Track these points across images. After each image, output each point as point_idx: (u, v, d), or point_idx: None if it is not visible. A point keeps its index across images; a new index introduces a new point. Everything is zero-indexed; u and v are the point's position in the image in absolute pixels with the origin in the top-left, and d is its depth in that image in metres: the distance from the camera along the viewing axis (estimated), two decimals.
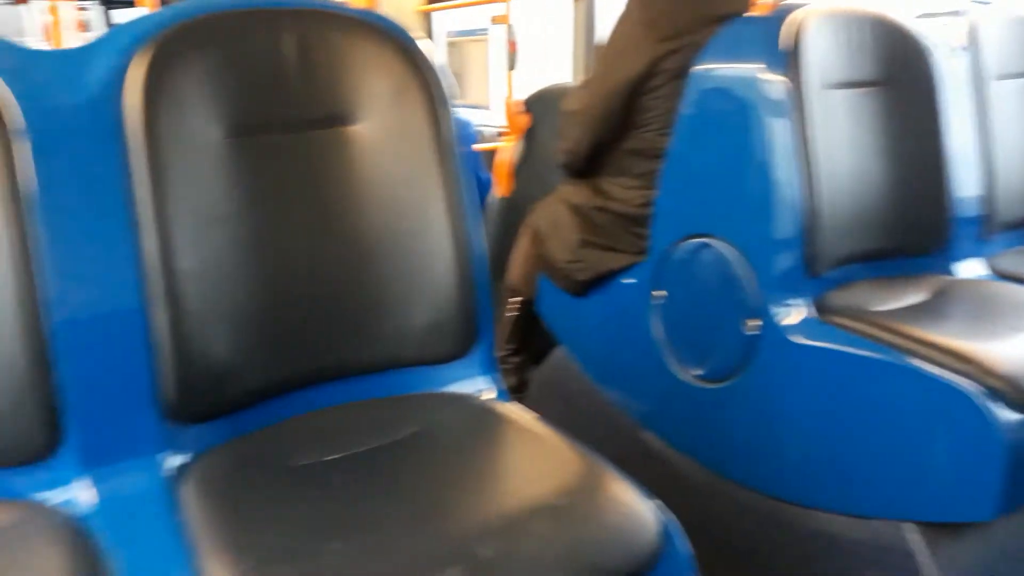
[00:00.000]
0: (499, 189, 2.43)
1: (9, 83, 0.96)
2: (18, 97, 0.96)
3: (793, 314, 1.45)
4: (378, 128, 1.15)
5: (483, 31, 4.21)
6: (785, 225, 1.45)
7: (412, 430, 1.05)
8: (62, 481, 0.95)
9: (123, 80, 1.01)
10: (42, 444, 0.93)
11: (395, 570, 0.76)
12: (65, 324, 0.95)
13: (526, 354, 2.08)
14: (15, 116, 0.95)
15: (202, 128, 1.05)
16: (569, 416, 1.64)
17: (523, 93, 2.49)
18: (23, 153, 0.95)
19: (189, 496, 0.93)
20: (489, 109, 4.17)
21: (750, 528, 1.53)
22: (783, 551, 1.49)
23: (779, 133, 1.44)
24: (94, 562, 0.82)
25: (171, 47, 1.05)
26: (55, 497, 0.93)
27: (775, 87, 1.44)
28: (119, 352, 0.99)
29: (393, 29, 1.19)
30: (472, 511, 0.88)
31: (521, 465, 1.00)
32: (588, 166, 1.81)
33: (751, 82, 1.46)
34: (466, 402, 1.14)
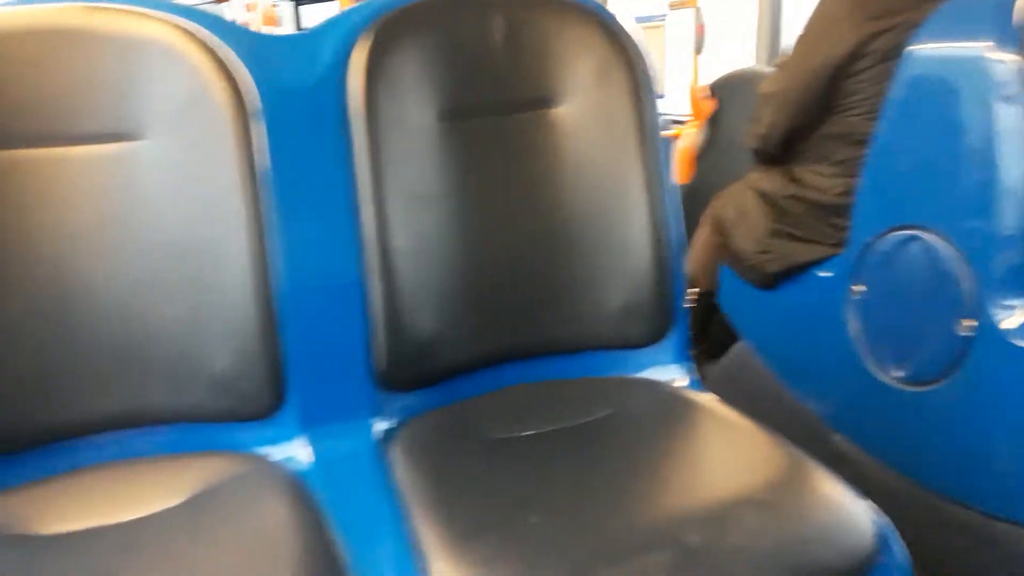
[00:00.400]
0: (678, 176, 2.38)
1: (248, 66, 1.04)
2: (255, 80, 1.04)
3: (1016, 315, 1.32)
4: (582, 110, 1.16)
5: (660, 17, 4.13)
6: (1010, 220, 1.33)
7: (606, 412, 1.05)
8: (283, 438, 1.02)
9: (347, 64, 1.07)
10: (268, 403, 1.00)
11: (600, 547, 0.77)
12: (291, 293, 1.02)
13: (703, 347, 2.03)
14: (253, 98, 1.02)
15: (416, 111, 1.09)
16: (751, 413, 1.58)
17: (708, 78, 2.43)
18: (259, 132, 1.02)
19: (396, 460, 0.97)
20: (663, 97, 4.10)
21: (955, 544, 1.42)
22: (991, 573, 1.37)
23: (1009, 119, 1.31)
24: (314, 513, 0.88)
25: (390, 32, 1.09)
26: (277, 452, 1.01)
27: (1006, 68, 1.32)
28: (337, 321, 1.05)
29: (599, 11, 1.18)
30: (675, 497, 0.87)
31: (721, 455, 0.98)
32: (782, 152, 1.74)
33: (978, 62, 1.34)
34: (660, 388, 1.13)
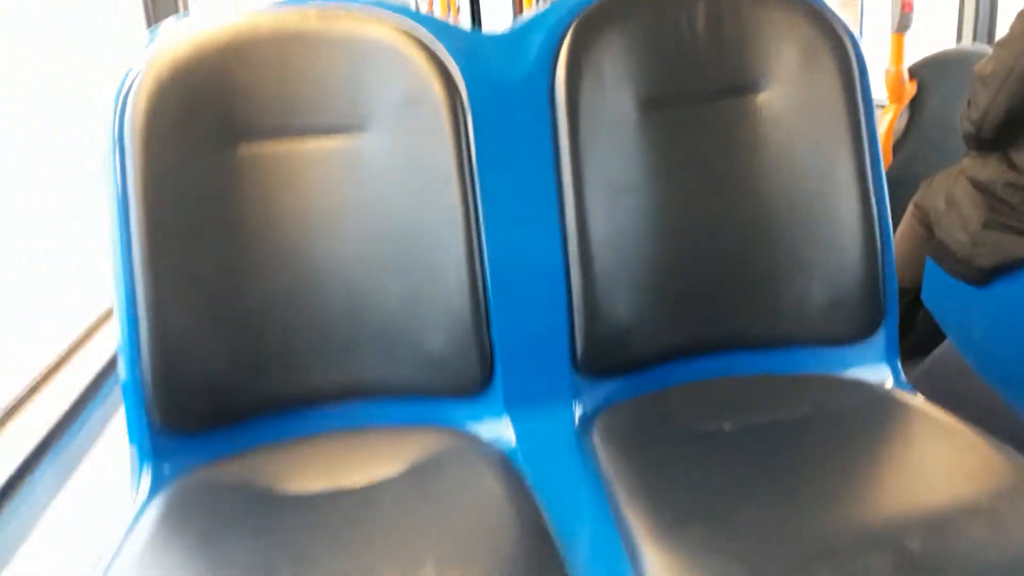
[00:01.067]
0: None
1: (460, 63, 1.09)
2: (466, 76, 1.09)
3: None
4: (787, 96, 1.13)
5: None
6: None
7: (809, 410, 1.03)
8: (490, 416, 1.07)
9: (553, 58, 1.10)
10: (476, 381, 1.06)
11: (816, 545, 0.76)
12: (498, 278, 1.07)
13: (905, 346, 1.92)
14: (463, 92, 1.08)
15: (618, 101, 1.11)
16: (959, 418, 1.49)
17: (908, 60, 2.28)
18: (470, 125, 1.07)
19: (598, 445, 1.00)
20: None
21: None
22: None
23: None
24: (523, 490, 0.92)
25: (593, 25, 1.11)
26: (483, 429, 1.06)
27: None
28: (540, 306, 1.09)
29: None
30: (892, 500, 0.84)
31: (939, 460, 0.93)
32: (999, 137, 1.61)
33: None
34: (867, 388, 1.09)
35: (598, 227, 1.09)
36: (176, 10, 1.85)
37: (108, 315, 1.63)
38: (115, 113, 0.99)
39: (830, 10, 1.14)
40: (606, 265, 1.09)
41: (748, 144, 1.13)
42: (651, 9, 1.13)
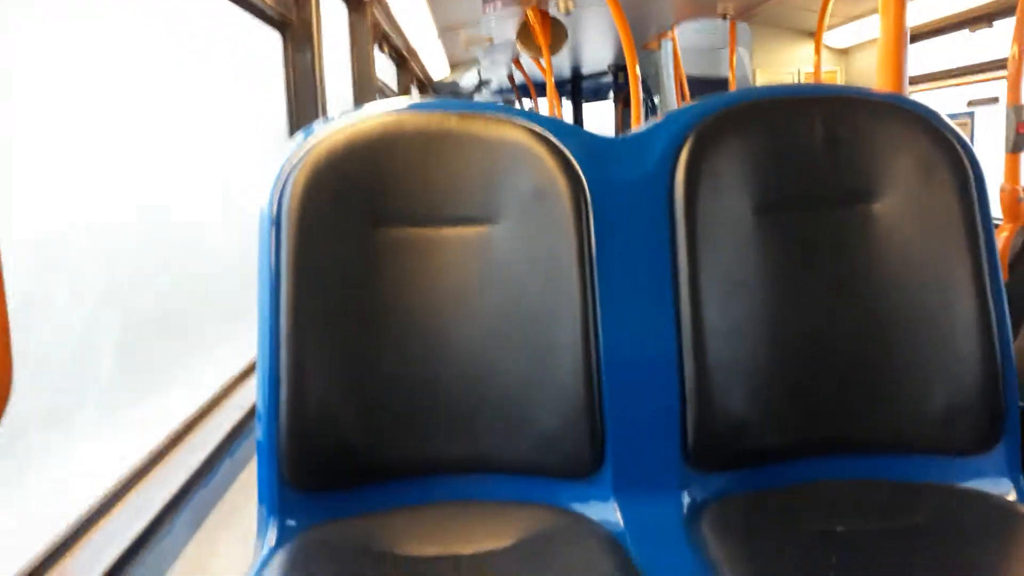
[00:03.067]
0: None
1: (582, 162, 1.17)
2: (589, 174, 1.16)
3: None
4: (902, 206, 1.16)
5: (965, 115, 3.91)
6: None
7: (925, 519, 1.01)
8: (599, 498, 1.10)
9: (673, 162, 1.17)
10: (589, 464, 1.09)
11: None
12: (612, 365, 1.11)
13: None
14: (587, 188, 1.15)
15: (734, 204, 1.16)
16: None
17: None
18: (591, 219, 1.14)
19: (708, 538, 1.00)
20: None
21: None
22: None
23: None
24: (631, 571, 0.93)
25: (712, 133, 1.18)
26: (592, 512, 1.08)
27: None
28: (652, 395, 1.12)
29: (921, 110, 1.19)
30: None
31: None
32: None
33: None
34: (986, 501, 1.06)
35: (713, 320, 1.13)
36: (316, 116, 2.05)
37: (244, 374, 1.75)
38: (274, 195, 1.11)
39: (947, 124, 1.18)
40: (720, 358, 1.12)
41: (864, 251, 1.16)
42: (769, 119, 1.19)
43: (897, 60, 1.62)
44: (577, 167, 1.15)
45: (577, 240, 1.12)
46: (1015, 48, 2.36)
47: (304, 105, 2.17)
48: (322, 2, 2.38)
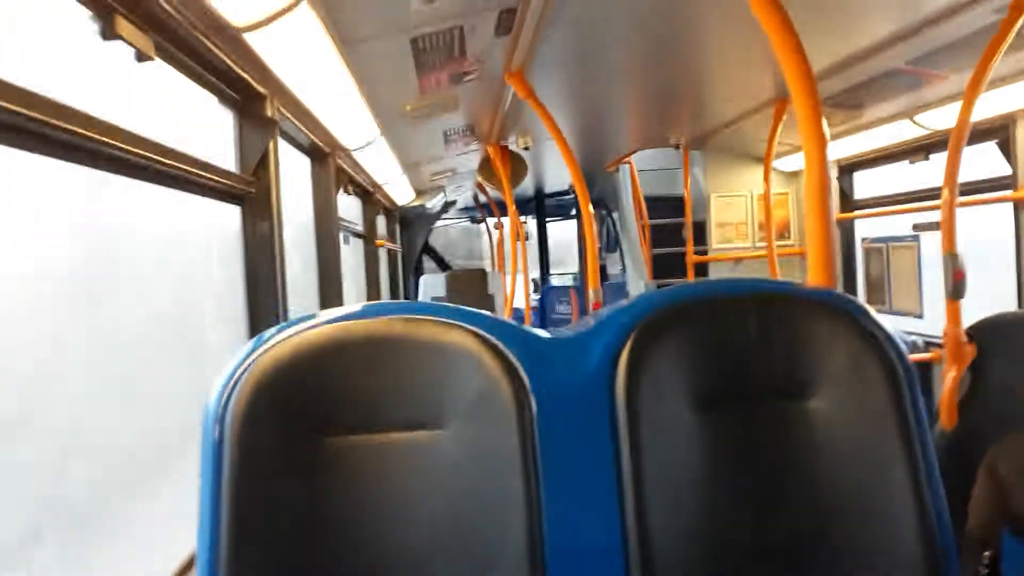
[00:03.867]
0: (943, 420, 2.26)
1: (526, 364, 1.19)
2: (531, 375, 1.19)
3: None
4: (835, 401, 1.20)
5: (911, 238, 4.06)
6: None
7: None
8: None
9: (613, 362, 1.20)
10: None
11: None
12: (558, 564, 1.11)
13: None
14: (530, 392, 1.17)
15: (674, 402, 1.19)
16: None
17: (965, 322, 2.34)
18: (534, 421, 1.16)
19: None
20: (921, 317, 3.94)
21: None
22: None
23: None
24: None
25: (652, 331, 1.22)
26: None
27: None
28: None
29: (851, 307, 1.24)
30: None
31: None
32: None
33: None
34: None
35: (656, 520, 1.14)
36: (275, 283, 2.08)
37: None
38: (220, 399, 1.12)
39: (875, 322, 1.23)
40: (666, 557, 1.13)
41: (801, 446, 1.19)
42: (705, 318, 1.24)
43: (822, 199, 1.69)
44: (520, 370, 1.17)
45: (520, 444, 1.14)
46: (946, 192, 2.48)
47: (262, 275, 2.20)
48: (284, 155, 2.46)
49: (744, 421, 1.20)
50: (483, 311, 1.24)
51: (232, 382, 1.12)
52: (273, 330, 1.19)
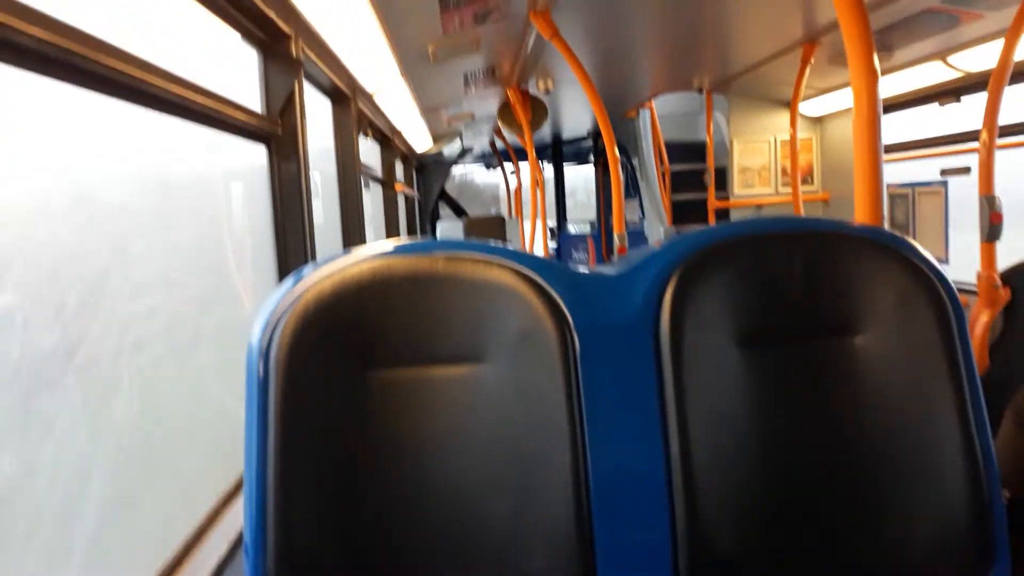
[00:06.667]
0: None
1: (569, 302, 1.19)
2: (575, 313, 1.18)
3: None
4: (882, 339, 1.18)
5: (939, 183, 4.00)
6: None
7: None
8: None
9: (659, 299, 1.19)
10: None
11: None
12: (601, 503, 1.12)
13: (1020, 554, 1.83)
14: (573, 328, 1.17)
15: (718, 339, 1.18)
16: None
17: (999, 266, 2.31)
18: (578, 358, 1.16)
19: None
20: (947, 263, 3.90)
21: None
22: None
23: None
24: None
25: (696, 270, 1.21)
26: None
27: None
28: (643, 533, 1.13)
29: (899, 244, 1.22)
30: None
31: None
32: None
33: None
34: None
35: (701, 456, 1.14)
36: (303, 226, 2.08)
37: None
38: (262, 342, 1.12)
39: (921, 255, 1.21)
40: (709, 495, 1.13)
41: (846, 384, 1.18)
42: (751, 255, 1.23)
43: (872, 136, 1.66)
44: (563, 307, 1.17)
45: (565, 380, 1.14)
46: (985, 135, 2.43)
47: (290, 214, 2.20)
48: (306, 98, 2.43)
49: (789, 358, 1.19)
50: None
51: (275, 319, 1.13)
52: (310, 266, 1.19)
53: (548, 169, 9.50)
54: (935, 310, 1.17)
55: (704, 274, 1.20)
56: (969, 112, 3.89)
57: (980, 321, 2.24)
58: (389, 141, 4.94)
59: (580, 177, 10.89)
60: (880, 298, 1.19)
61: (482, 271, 1.19)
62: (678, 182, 6.29)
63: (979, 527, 1.12)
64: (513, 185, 9.24)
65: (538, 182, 5.97)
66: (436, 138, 6.16)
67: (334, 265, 1.18)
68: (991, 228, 2.25)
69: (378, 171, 4.89)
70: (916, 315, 1.18)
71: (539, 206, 5.98)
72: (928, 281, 1.18)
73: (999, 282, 2.22)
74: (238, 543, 1.55)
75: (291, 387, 1.11)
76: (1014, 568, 1.81)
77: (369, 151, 4.62)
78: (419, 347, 1.17)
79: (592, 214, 9.75)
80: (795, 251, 1.22)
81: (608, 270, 1.27)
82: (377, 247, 1.21)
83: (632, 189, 7.39)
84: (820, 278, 1.20)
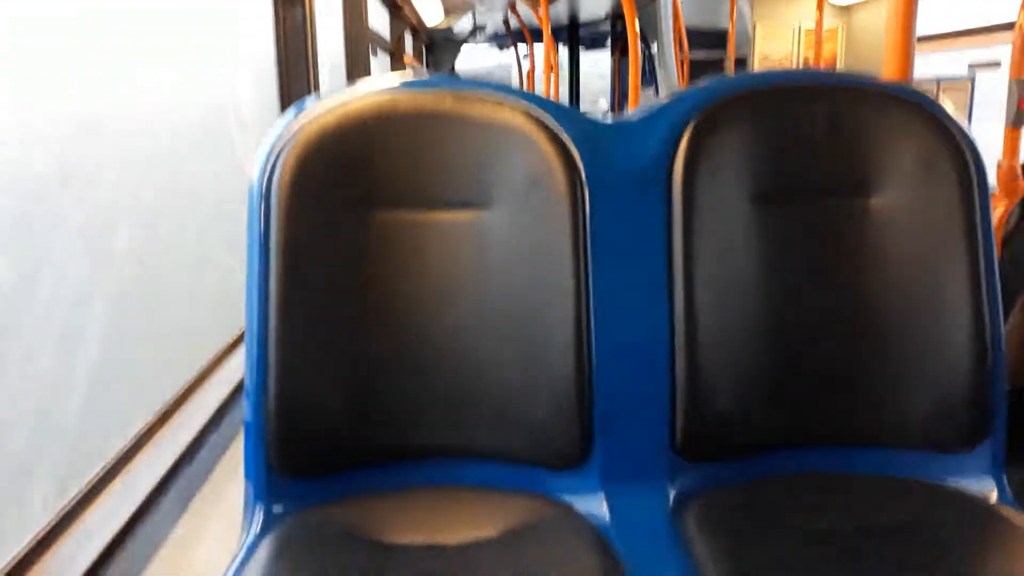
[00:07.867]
0: None
1: (581, 148, 1.14)
2: (586, 161, 1.14)
3: None
4: (901, 199, 1.14)
5: (966, 77, 3.86)
6: None
7: (905, 518, 1.02)
8: (586, 490, 1.10)
9: (673, 149, 1.14)
10: (577, 455, 1.10)
11: None
12: (604, 355, 1.11)
13: (1016, 448, 1.85)
14: (584, 175, 1.13)
15: (732, 193, 1.14)
16: None
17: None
18: (587, 207, 1.12)
19: (692, 531, 1.02)
20: None
21: None
22: None
23: None
24: (615, 566, 0.95)
25: (713, 120, 1.15)
26: (579, 503, 1.09)
27: None
28: (643, 388, 1.12)
29: (925, 103, 1.17)
30: None
31: None
32: None
33: None
34: (968, 502, 1.07)
35: (706, 316, 1.12)
36: (308, 75, 2.00)
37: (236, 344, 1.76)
38: (264, 172, 1.08)
39: (949, 116, 1.16)
40: (712, 352, 1.12)
41: (860, 244, 1.15)
42: (770, 108, 1.17)
43: (906, 21, 1.57)
44: (575, 153, 1.12)
45: (572, 229, 1.11)
46: (1022, 17, 2.31)
47: (295, 64, 2.12)
48: None
49: (803, 215, 1.15)
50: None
51: (275, 155, 1.08)
52: (312, 97, 1.13)
53: (563, 53, 9.20)
54: (958, 173, 1.13)
55: (723, 123, 1.15)
56: (998, 4, 3.72)
57: (996, 211, 2.19)
58: (399, 10, 4.75)
59: (593, 74, 10.45)
60: (902, 157, 1.14)
61: (491, 111, 1.14)
62: (697, 71, 6.10)
63: (980, 397, 1.11)
64: (526, 68, 8.97)
65: (552, 66, 5.78)
66: (448, 10, 5.93)
67: (337, 98, 1.13)
68: (1017, 114, 2.17)
69: (387, 41, 4.73)
70: (938, 177, 1.13)
71: (552, 89, 5.82)
72: (953, 142, 1.13)
73: (1020, 172, 2.16)
74: (239, 388, 1.56)
75: (293, 219, 1.07)
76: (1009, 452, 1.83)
77: (377, 18, 4.45)
78: (423, 188, 1.13)
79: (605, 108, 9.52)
80: (818, 104, 1.16)
81: (628, 117, 1.22)
82: (382, 81, 1.16)
83: (650, 76, 7.19)
84: (841, 134, 1.15)
